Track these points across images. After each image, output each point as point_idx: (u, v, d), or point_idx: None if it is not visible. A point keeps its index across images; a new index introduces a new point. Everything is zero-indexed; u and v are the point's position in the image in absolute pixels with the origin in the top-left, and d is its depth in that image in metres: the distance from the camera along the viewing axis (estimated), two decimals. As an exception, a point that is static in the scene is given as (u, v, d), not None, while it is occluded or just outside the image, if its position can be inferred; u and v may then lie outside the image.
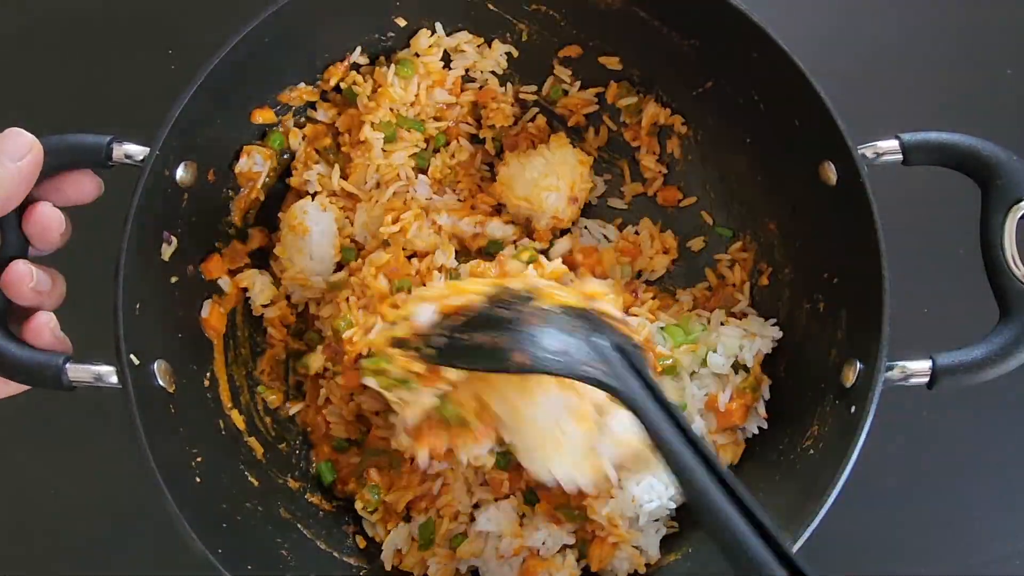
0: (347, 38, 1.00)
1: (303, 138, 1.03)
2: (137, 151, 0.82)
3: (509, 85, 1.08)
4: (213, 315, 0.98)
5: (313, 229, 0.98)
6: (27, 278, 0.78)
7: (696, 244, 1.08)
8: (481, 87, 1.08)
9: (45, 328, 0.80)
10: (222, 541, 0.81)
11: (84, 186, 0.82)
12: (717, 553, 0.90)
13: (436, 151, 1.07)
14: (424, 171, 1.05)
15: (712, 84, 1.01)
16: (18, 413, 1.11)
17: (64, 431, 1.12)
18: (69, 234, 0.82)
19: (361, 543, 1.00)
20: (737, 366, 0.98)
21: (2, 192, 0.76)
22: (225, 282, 0.99)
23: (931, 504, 1.11)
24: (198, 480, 0.87)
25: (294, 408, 1.03)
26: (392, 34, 1.01)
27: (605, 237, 1.08)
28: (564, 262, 1.00)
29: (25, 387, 0.83)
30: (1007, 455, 1.13)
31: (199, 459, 0.88)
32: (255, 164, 0.99)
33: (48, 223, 0.80)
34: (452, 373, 0.78)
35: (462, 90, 1.07)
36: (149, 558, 1.09)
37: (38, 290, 0.79)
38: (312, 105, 1.03)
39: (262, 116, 0.98)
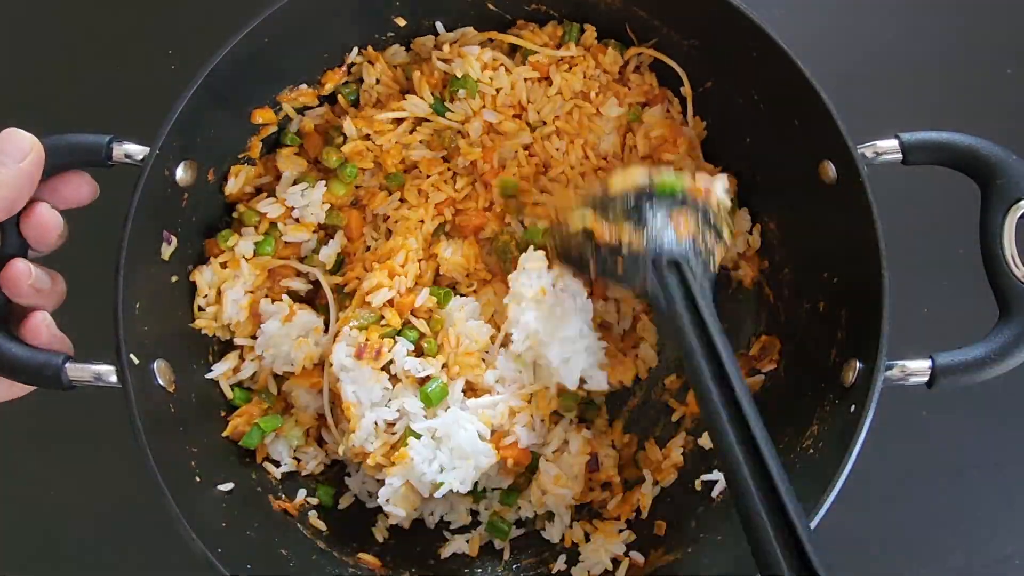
0: (347, 38, 1.00)
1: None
2: (137, 151, 0.82)
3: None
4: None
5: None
6: (26, 275, 0.78)
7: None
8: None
9: (41, 326, 0.80)
10: (222, 541, 0.81)
11: (80, 188, 0.82)
12: (716, 554, 0.91)
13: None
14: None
15: (712, 84, 1.01)
16: (18, 413, 1.10)
17: (64, 431, 1.12)
18: (66, 236, 0.82)
19: (361, 543, 1.00)
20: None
21: (9, 194, 0.76)
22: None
23: (931, 504, 1.11)
24: (198, 480, 0.87)
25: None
26: (392, 34, 1.01)
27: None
28: None
29: (25, 391, 0.83)
30: (1007, 455, 1.13)
31: (199, 459, 0.88)
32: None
33: (46, 224, 0.80)
34: None
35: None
36: (149, 558, 1.09)
37: (37, 288, 0.79)
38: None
39: (262, 116, 0.97)
